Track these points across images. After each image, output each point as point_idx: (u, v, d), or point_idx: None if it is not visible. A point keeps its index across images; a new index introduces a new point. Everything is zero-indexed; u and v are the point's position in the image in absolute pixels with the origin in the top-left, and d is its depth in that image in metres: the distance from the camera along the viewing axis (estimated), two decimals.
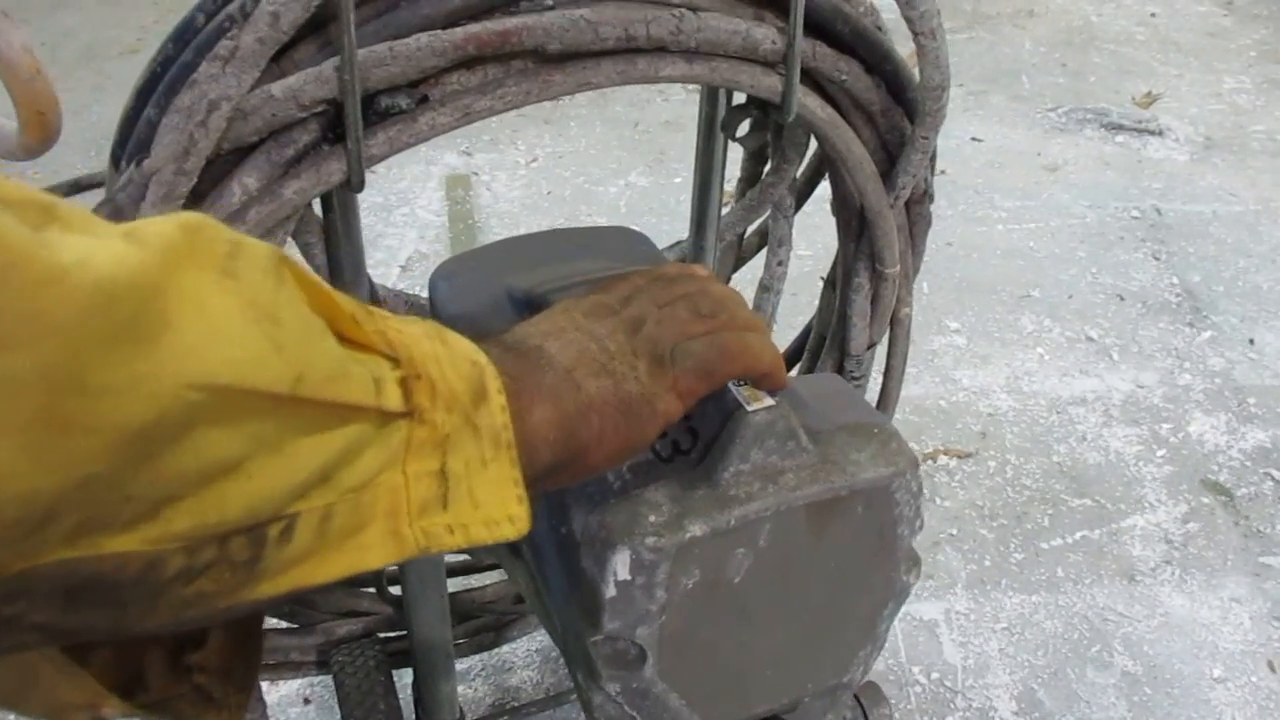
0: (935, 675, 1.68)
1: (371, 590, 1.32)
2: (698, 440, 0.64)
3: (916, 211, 1.08)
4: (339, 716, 1.61)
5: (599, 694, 0.67)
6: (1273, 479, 2.05)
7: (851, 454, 0.65)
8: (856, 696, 0.85)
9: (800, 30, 0.83)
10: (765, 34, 0.83)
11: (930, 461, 2.06)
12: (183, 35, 0.75)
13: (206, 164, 0.74)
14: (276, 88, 0.72)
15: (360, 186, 0.78)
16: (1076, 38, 3.84)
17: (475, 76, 0.75)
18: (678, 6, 0.79)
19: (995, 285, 2.57)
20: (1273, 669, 1.70)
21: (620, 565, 0.61)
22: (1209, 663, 1.71)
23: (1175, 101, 3.40)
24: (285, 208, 0.76)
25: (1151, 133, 3.20)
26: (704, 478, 0.63)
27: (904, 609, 1.79)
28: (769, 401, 0.62)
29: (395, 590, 1.28)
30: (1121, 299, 2.54)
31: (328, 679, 1.70)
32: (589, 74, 0.78)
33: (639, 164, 3.01)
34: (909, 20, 0.83)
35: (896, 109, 0.95)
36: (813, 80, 0.89)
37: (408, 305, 1.08)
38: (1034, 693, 1.65)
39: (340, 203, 0.87)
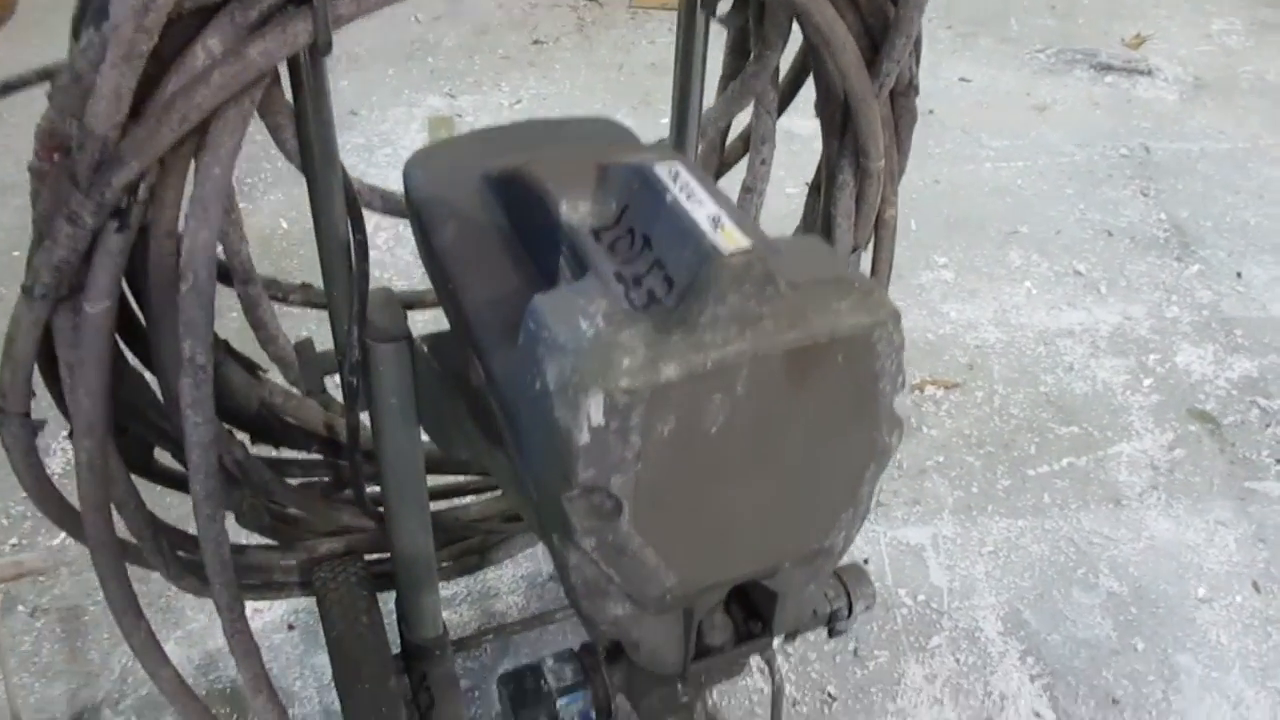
0: (921, 598, 1.68)
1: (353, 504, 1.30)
2: (673, 288, 0.63)
3: (902, 105, 1.06)
4: (323, 641, 1.62)
5: (575, 552, 0.65)
6: (1258, 407, 2.05)
7: (832, 303, 0.64)
8: (840, 577, 0.85)
9: None
10: None
11: (918, 392, 2.06)
12: None
13: (167, 25, 0.72)
14: None
15: (328, 48, 0.75)
16: None
17: None
18: None
19: (983, 222, 2.55)
20: (1257, 589, 1.71)
21: (594, 409, 0.59)
22: (1194, 583, 1.71)
23: (1164, 43, 3.37)
24: (250, 70, 0.73)
25: (1141, 73, 3.17)
26: (679, 322, 0.61)
27: (891, 533, 1.79)
28: (745, 244, 0.61)
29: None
30: (1110, 234, 2.53)
31: (311, 606, 1.70)
32: None
33: (623, 106, 2.98)
34: None
35: None
36: None
37: (382, 199, 1.06)
38: (1020, 613, 1.66)
39: (311, 83, 0.84)
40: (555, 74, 3.14)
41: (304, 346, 1.07)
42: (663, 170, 0.67)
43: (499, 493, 1.46)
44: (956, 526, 1.79)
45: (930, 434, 1.97)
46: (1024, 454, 1.94)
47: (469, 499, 1.45)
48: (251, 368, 1.12)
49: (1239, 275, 2.40)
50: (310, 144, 0.89)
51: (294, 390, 1.19)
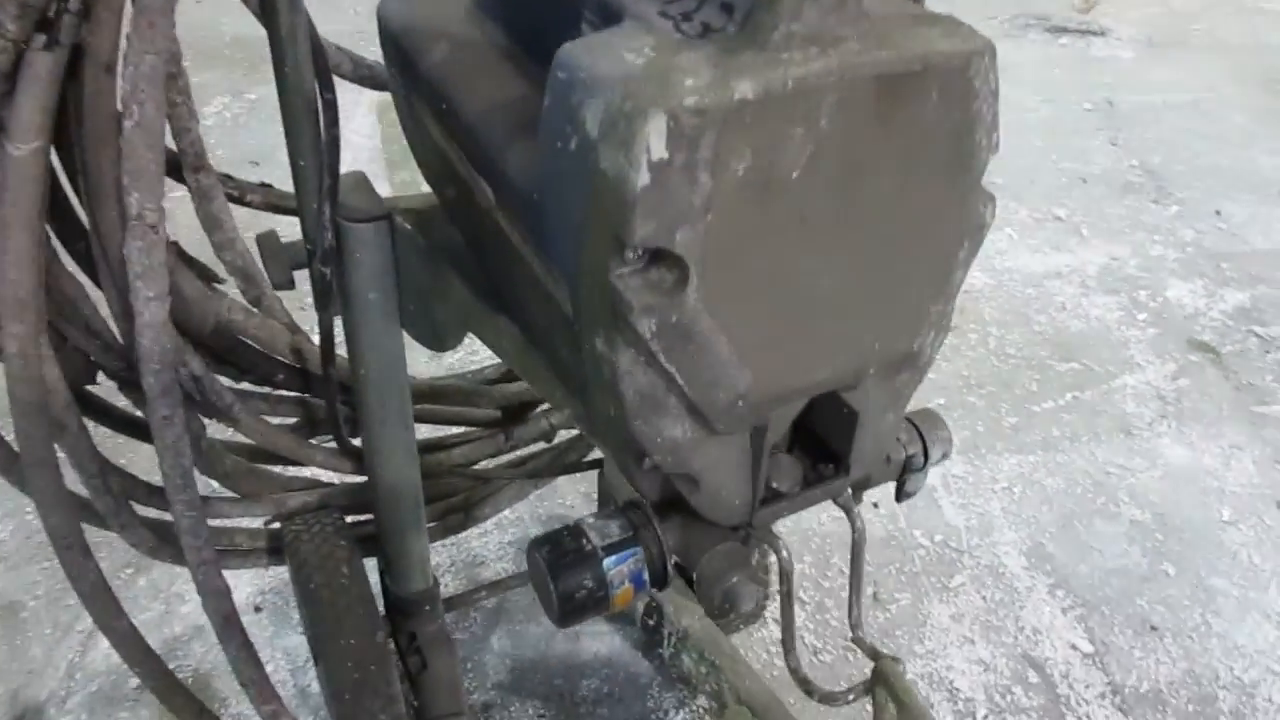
0: (939, 538, 1.57)
1: (329, 444, 1.17)
2: (734, 13, 0.52)
3: None
4: (294, 620, 1.46)
5: (627, 352, 0.54)
6: (1256, 335, 1.99)
7: (921, 30, 0.54)
8: (914, 422, 0.74)
9: None
10: None
11: None
12: None
13: None
14: None
15: None
16: None
17: None
18: None
19: None
20: None
21: (654, 138, 0.48)
22: (1217, 506, 1.63)
23: (1114, 6, 3.37)
24: None
25: (1095, 33, 3.16)
26: (748, 43, 0.50)
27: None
28: None
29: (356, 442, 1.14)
30: (1084, 181, 2.48)
31: (280, 586, 1.54)
32: None
33: None
34: None
35: None
36: None
37: (352, 63, 0.94)
38: (1043, 547, 1.56)
39: None
40: None
41: (267, 238, 0.94)
42: None
43: (480, 439, 1.33)
44: (966, 465, 1.70)
45: (929, 377, 1.87)
46: (1026, 391, 1.85)
47: (452, 443, 1.32)
48: (206, 276, 0.99)
49: (1218, 213, 2.35)
50: None
51: (254, 309, 1.06)
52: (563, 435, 1.36)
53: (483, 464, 1.34)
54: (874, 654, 0.68)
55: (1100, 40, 3.13)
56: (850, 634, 0.70)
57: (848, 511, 0.68)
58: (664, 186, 0.48)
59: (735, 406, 0.56)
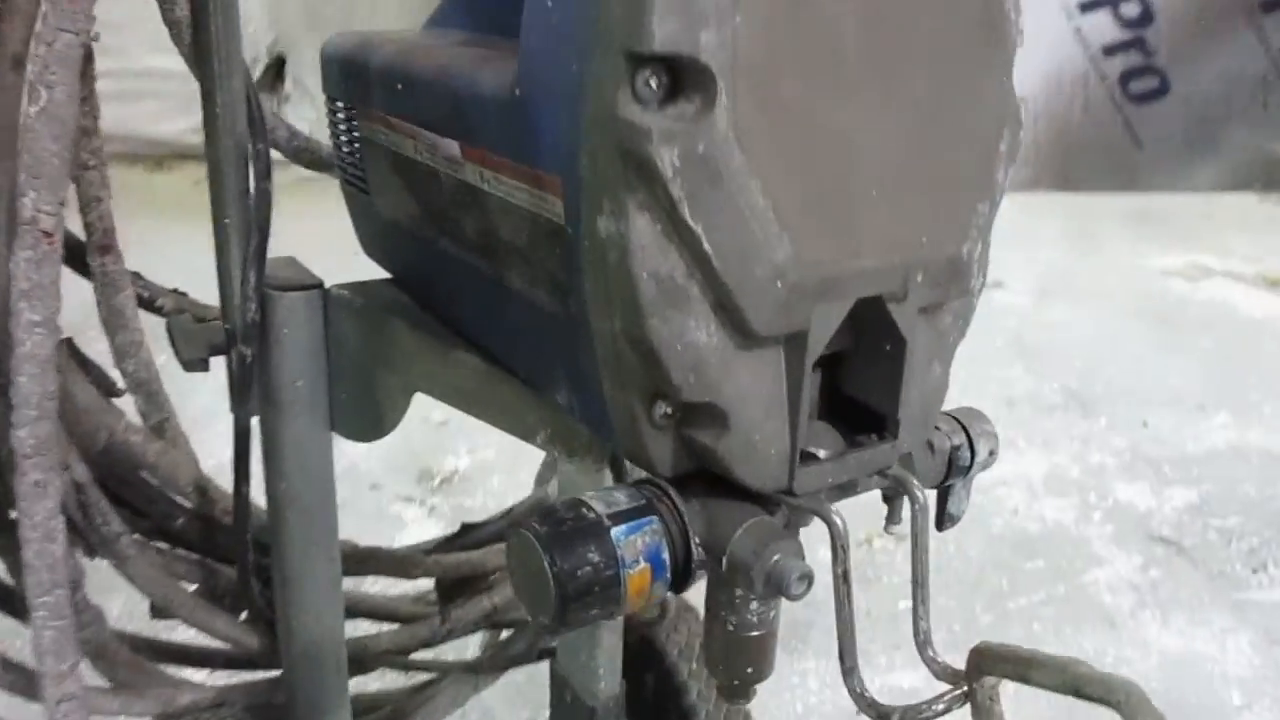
0: None
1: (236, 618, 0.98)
2: None
3: None
4: None
5: (641, 217, 0.44)
6: (1215, 529, 1.94)
7: None
8: (956, 418, 0.63)
9: None
10: None
11: (866, 545, 1.85)
12: None
13: None
14: None
15: None
16: None
17: None
18: None
19: None
20: None
21: None
22: (1226, 691, 1.49)
23: (1005, 267, 3.59)
24: None
25: (993, 287, 3.33)
26: None
27: (880, 680, 1.52)
28: None
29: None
30: (1010, 403, 2.50)
31: None
32: None
33: None
34: None
35: None
36: None
37: (288, 134, 0.88)
38: None
39: None
40: None
41: (180, 319, 0.82)
42: None
43: (415, 626, 1.14)
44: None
45: (892, 581, 1.75)
46: (997, 589, 1.73)
47: (380, 628, 1.13)
48: (103, 385, 0.86)
49: (1145, 424, 2.37)
50: (206, 3, 0.72)
51: (156, 435, 0.92)
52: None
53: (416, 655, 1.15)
54: (949, 674, 0.54)
55: (999, 291, 3.30)
56: (919, 652, 0.55)
57: (904, 485, 0.56)
58: None
59: (773, 287, 0.45)
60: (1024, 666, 0.48)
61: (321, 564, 0.88)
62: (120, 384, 0.88)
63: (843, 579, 0.51)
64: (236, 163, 0.76)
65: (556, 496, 1.14)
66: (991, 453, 0.62)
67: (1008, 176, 0.53)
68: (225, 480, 0.91)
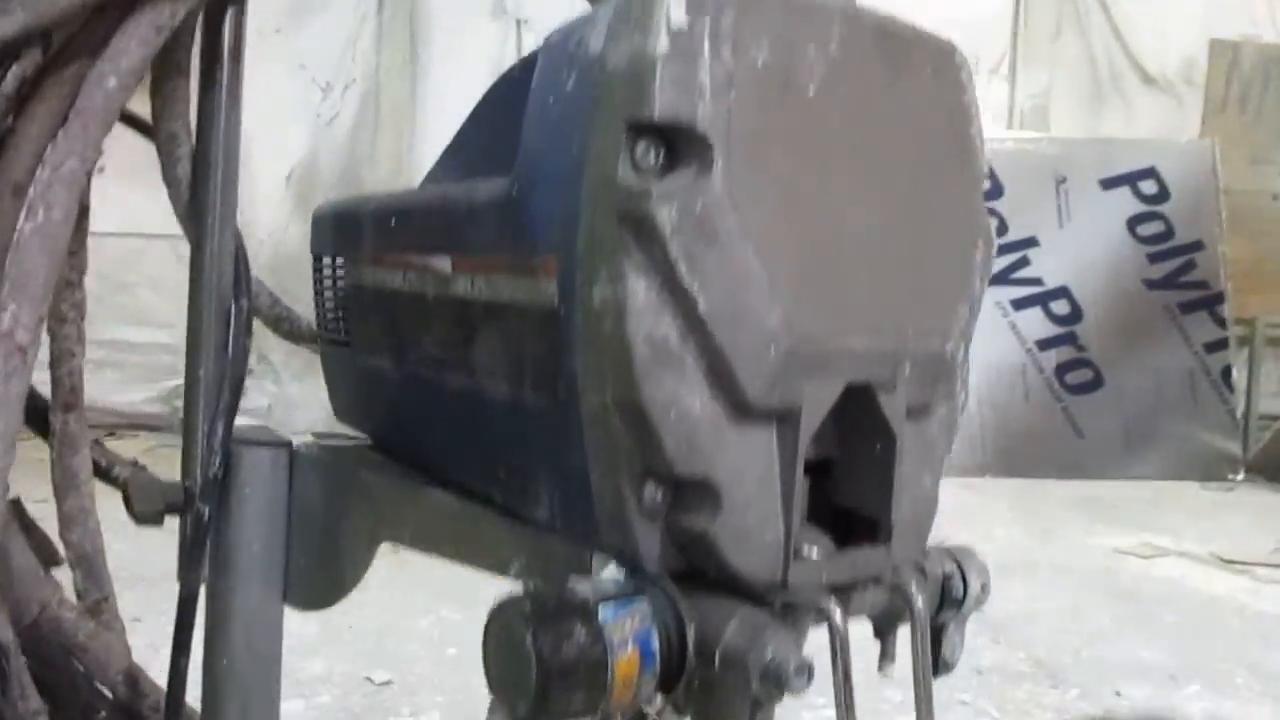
0: None
1: None
2: None
3: None
4: None
5: (638, 281, 0.44)
6: None
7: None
8: (947, 550, 0.61)
9: None
10: None
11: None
12: None
13: None
14: None
15: None
16: None
17: None
18: None
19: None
20: None
21: (674, 6, 0.45)
22: None
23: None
24: None
25: None
26: None
27: None
28: None
29: None
30: (980, 673, 2.41)
31: None
32: None
33: None
34: None
35: None
36: None
37: (271, 299, 0.89)
38: None
39: (225, 77, 0.75)
40: None
41: (139, 473, 0.79)
42: None
43: None
44: None
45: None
46: None
47: None
48: (44, 552, 0.81)
49: (1118, 694, 2.30)
50: (207, 164, 0.76)
51: (91, 615, 0.86)
52: None
53: None
54: None
55: None
56: None
57: (901, 591, 0.53)
58: (685, 54, 0.45)
59: (765, 353, 0.46)
60: None
61: None
62: (62, 553, 0.83)
63: (844, 680, 0.47)
64: (218, 316, 0.77)
65: None
66: (984, 587, 0.60)
67: (983, 290, 0.55)
68: (159, 672, 0.84)
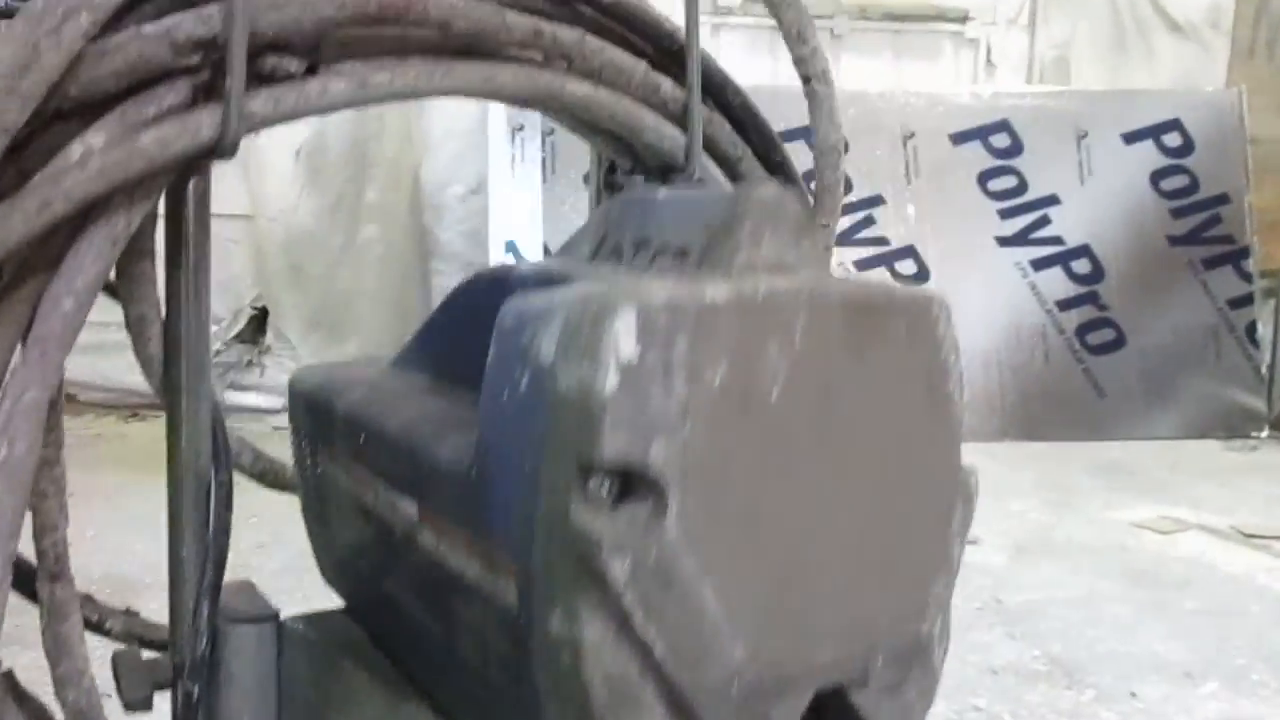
0: None
1: None
2: (689, 256, 0.50)
3: None
4: None
5: (592, 622, 0.43)
6: None
7: (872, 280, 0.53)
8: None
9: (699, 80, 0.83)
10: (664, 80, 0.82)
11: None
12: None
13: (49, 117, 0.62)
14: (149, 26, 0.63)
15: (233, 149, 0.66)
16: None
17: (376, 44, 0.69)
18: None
19: None
20: None
21: (624, 336, 0.43)
22: None
23: (978, 521, 3.58)
24: (138, 159, 0.62)
25: (969, 543, 3.32)
26: (712, 270, 0.48)
27: None
28: (774, 188, 0.51)
29: None
30: (994, 672, 2.43)
31: None
32: (493, 72, 0.73)
33: None
34: (799, 61, 0.84)
35: None
36: (712, 154, 0.87)
37: (254, 456, 0.88)
38: None
39: (191, 257, 0.73)
40: None
41: (126, 654, 0.79)
42: (644, 188, 0.58)
43: None
44: None
45: None
46: None
47: None
48: (40, 717, 0.82)
49: (1133, 695, 2.30)
50: (178, 342, 0.74)
51: None
52: None
53: None
54: None
55: (975, 549, 3.27)
56: None
57: None
58: (636, 389, 0.43)
59: (728, 690, 0.44)
60: None
61: None
62: (59, 717, 0.84)
63: None
64: (196, 495, 0.76)
65: None
66: None
67: (963, 550, 0.53)
68: None
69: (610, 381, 0.43)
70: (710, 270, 0.48)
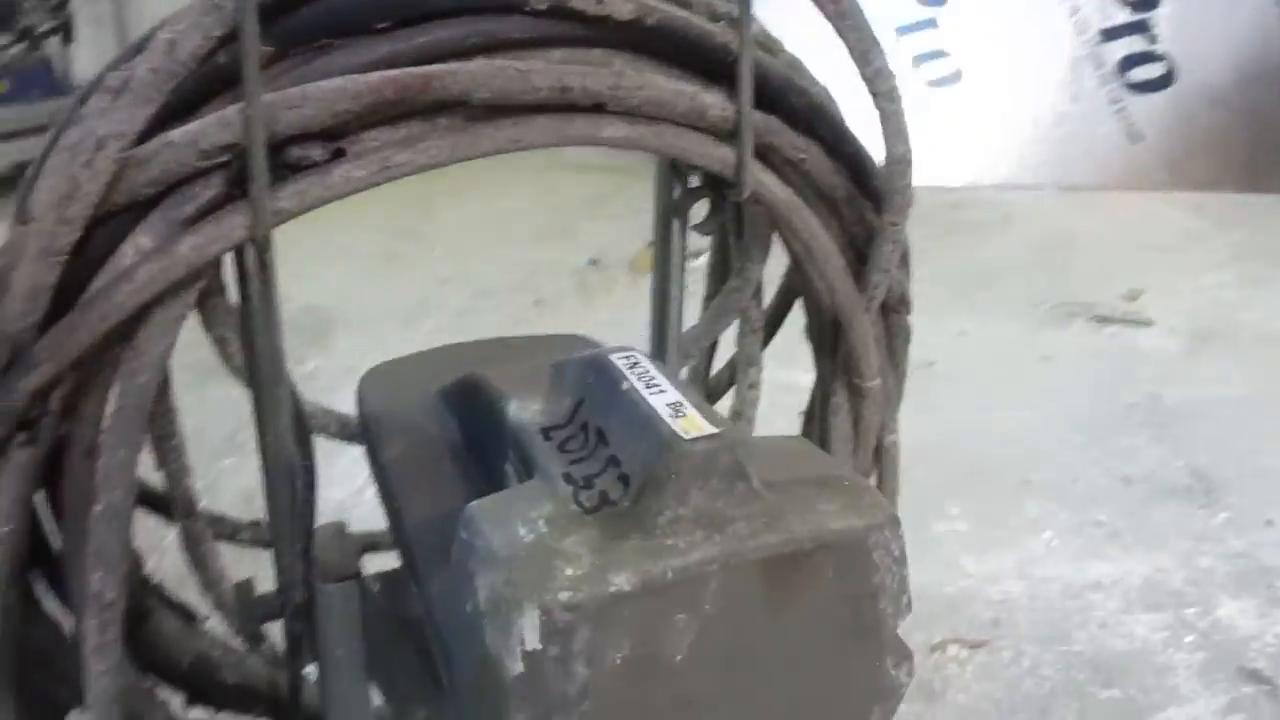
0: None
1: None
2: (629, 487, 0.54)
3: (894, 321, 1.01)
4: None
5: None
6: None
7: (817, 504, 0.54)
8: None
9: (750, 95, 0.78)
10: (714, 100, 0.78)
11: (939, 652, 1.89)
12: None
13: (98, 222, 0.67)
14: (175, 133, 0.66)
15: (267, 244, 0.70)
16: (1054, 241, 3.92)
17: (396, 129, 0.70)
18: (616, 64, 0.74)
19: (995, 471, 2.46)
20: None
21: (528, 630, 0.48)
22: None
23: (1160, 297, 3.41)
24: (179, 266, 0.68)
25: (1141, 324, 3.19)
26: (634, 525, 0.51)
27: None
28: (710, 431, 0.52)
29: None
30: (1128, 482, 2.43)
31: None
32: (521, 130, 0.72)
33: None
34: (866, 80, 0.79)
35: (861, 199, 0.89)
36: (770, 161, 0.84)
37: (339, 424, 0.99)
38: None
39: (257, 287, 0.79)
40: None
41: (242, 589, 0.96)
42: (619, 358, 0.60)
43: None
44: None
45: (958, 699, 1.79)
46: None
47: None
48: (187, 615, 1.01)
49: (1269, 523, 2.27)
50: (256, 355, 0.83)
51: (235, 645, 1.07)
52: None
53: None
54: None
55: (1146, 331, 3.15)
56: None
57: None
58: (537, 676, 0.48)
59: None
60: None
61: None
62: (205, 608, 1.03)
63: None
64: (286, 479, 0.88)
65: None
66: None
67: None
68: None
69: (516, 667, 0.49)
70: (635, 524, 0.52)
